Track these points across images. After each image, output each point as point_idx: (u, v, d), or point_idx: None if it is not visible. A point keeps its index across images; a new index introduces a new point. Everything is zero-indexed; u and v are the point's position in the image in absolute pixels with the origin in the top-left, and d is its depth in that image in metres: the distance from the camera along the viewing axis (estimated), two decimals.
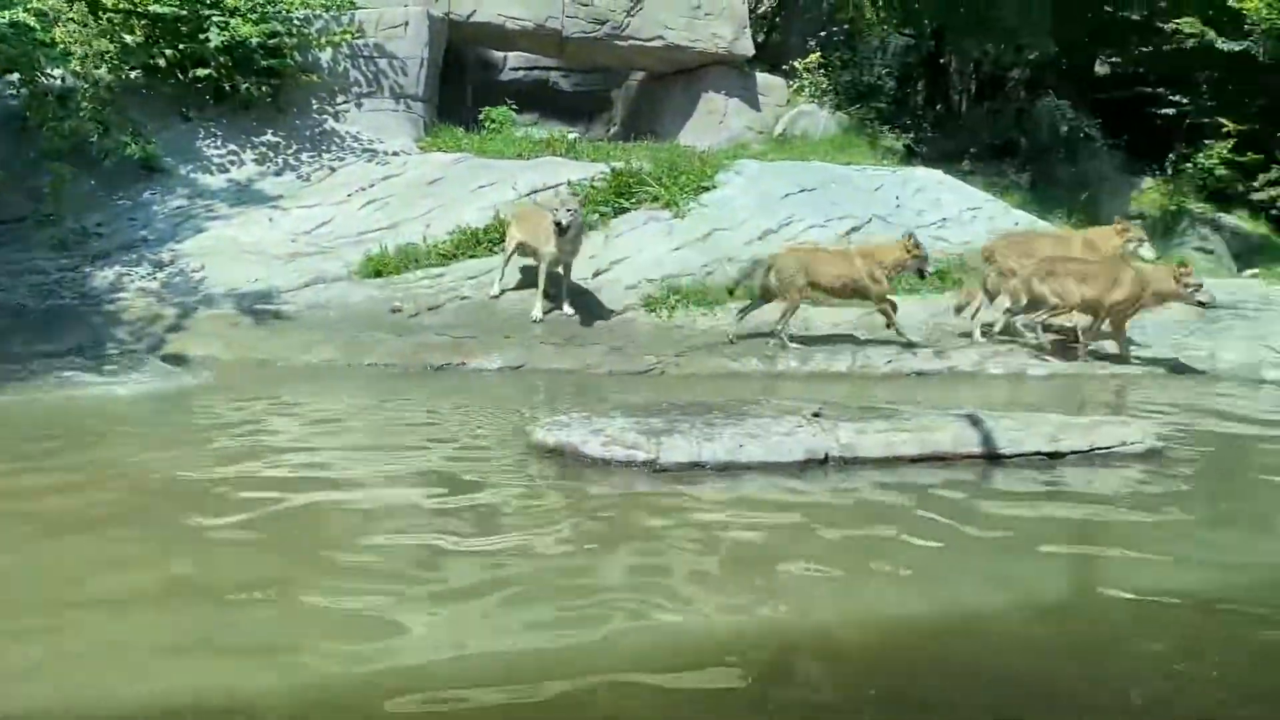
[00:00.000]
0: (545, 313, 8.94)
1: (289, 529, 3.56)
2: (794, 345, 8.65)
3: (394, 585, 2.98)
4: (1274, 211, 18.20)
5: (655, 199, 10.97)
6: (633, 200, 10.94)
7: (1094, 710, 2.39)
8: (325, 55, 12.37)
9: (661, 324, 9.08)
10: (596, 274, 9.72)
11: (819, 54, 16.31)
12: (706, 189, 11.28)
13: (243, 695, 2.29)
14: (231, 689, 2.32)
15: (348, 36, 12.17)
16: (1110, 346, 8.88)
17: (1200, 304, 8.66)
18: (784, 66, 16.36)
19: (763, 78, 15.69)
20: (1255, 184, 18.39)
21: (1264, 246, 17.04)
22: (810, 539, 3.60)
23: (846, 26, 17.35)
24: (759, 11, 19.22)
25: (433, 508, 3.88)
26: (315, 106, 12.40)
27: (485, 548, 3.37)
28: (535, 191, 10.88)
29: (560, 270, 9.01)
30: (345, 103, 12.55)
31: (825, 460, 4.49)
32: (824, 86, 16.07)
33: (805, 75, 15.99)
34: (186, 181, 11.01)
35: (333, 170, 11.63)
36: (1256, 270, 14.66)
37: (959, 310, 9.42)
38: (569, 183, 10.76)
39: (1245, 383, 8.30)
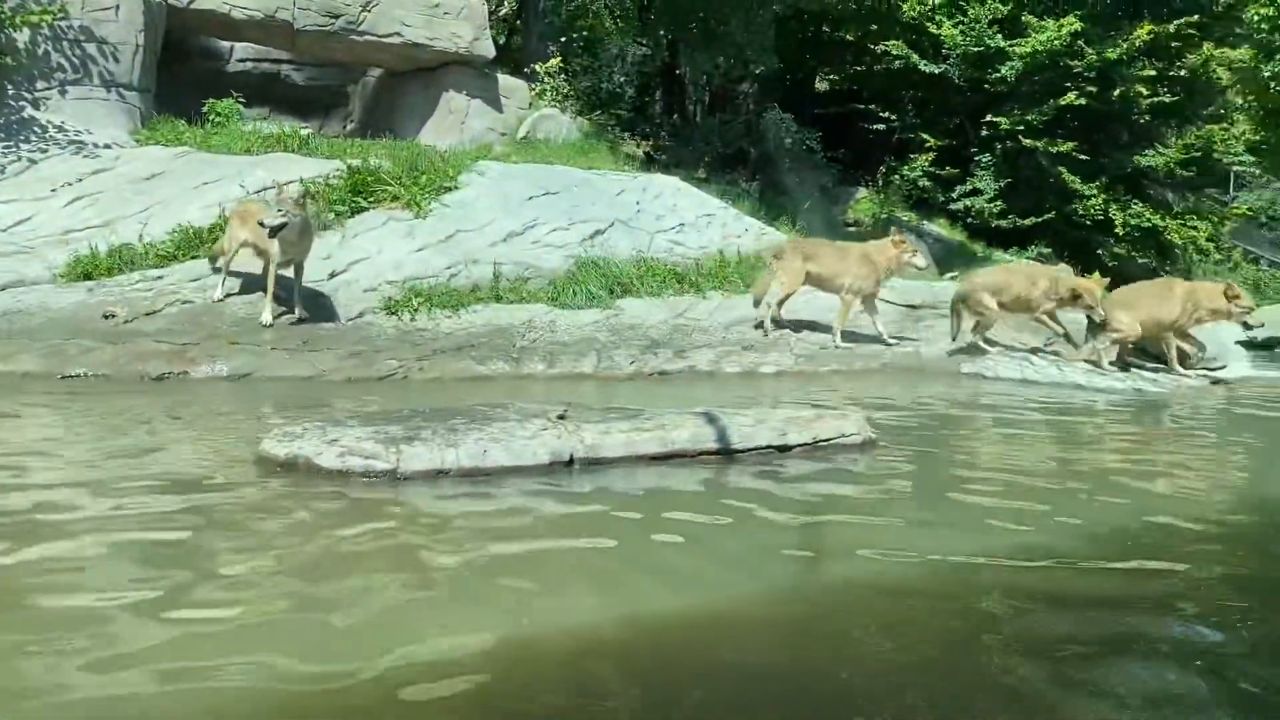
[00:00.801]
0: (276, 316, 8.51)
1: None
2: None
3: (101, 613, 2.72)
4: (969, 220, 20.16)
5: (395, 198, 10.69)
6: (371, 199, 10.62)
7: (834, 694, 2.54)
8: (22, 36, 11.21)
9: (403, 327, 8.87)
10: (333, 275, 9.36)
11: (560, 59, 16.52)
12: (449, 189, 11.12)
13: None
14: None
15: (48, 17, 11.08)
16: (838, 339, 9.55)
17: (1246, 325, 9.75)
18: (526, 70, 16.45)
19: (504, 80, 15.69)
20: (953, 195, 20.32)
21: (961, 251, 18.85)
22: (555, 541, 3.61)
23: (586, 33, 17.65)
24: (500, 14, 19.23)
25: (144, 532, 3.58)
26: (11, 92, 11.21)
27: (202, 574, 3.15)
28: (265, 189, 10.32)
29: (290, 272, 8.61)
30: (47, 89, 11.43)
31: (571, 462, 4.53)
32: (565, 91, 16.29)
33: (547, 79, 16.15)
34: None
35: (33, 163, 10.55)
36: (956, 273, 16.18)
37: (756, 303, 10.16)
38: (301, 180, 10.30)
39: (946, 375, 9.17)
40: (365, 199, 10.58)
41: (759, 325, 9.94)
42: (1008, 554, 3.67)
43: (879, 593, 3.29)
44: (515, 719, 2.33)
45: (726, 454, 4.80)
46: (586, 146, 14.92)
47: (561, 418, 4.81)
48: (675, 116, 19.94)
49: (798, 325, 10.10)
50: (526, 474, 4.38)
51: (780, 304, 10.09)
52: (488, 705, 2.39)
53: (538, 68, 16.30)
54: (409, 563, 3.33)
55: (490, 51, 15.09)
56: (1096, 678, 2.69)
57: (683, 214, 12.37)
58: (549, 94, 16.14)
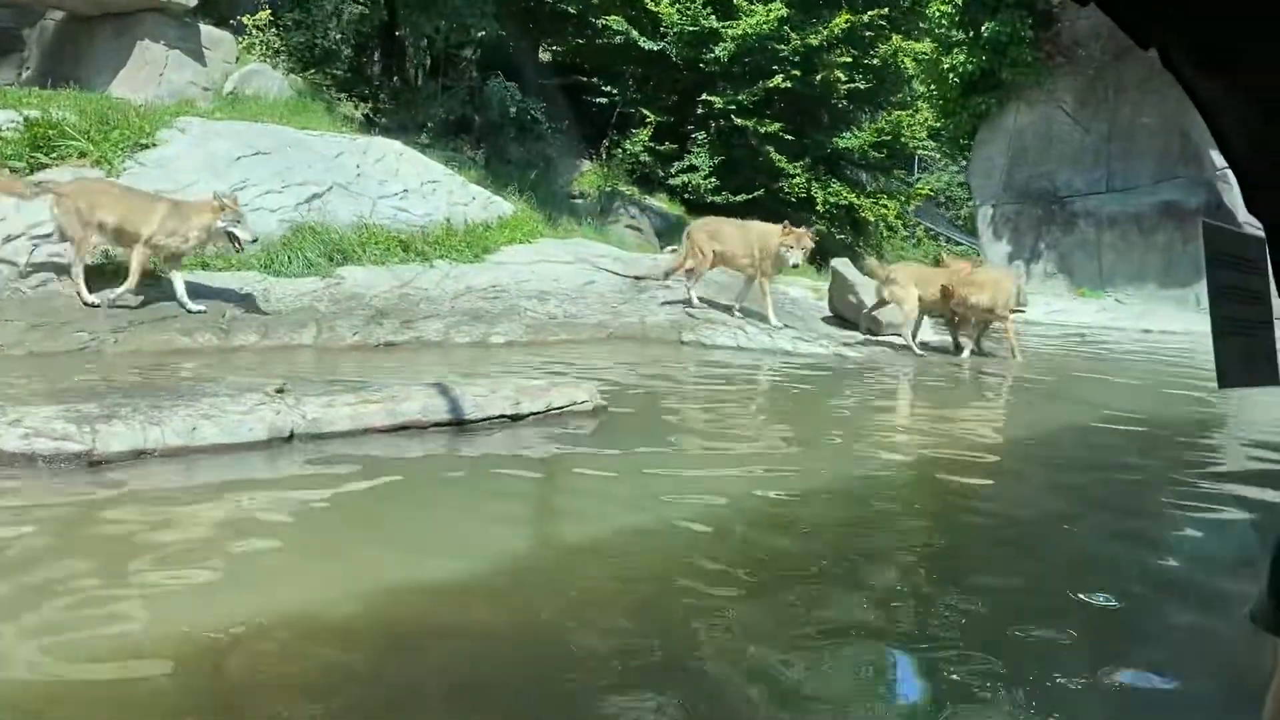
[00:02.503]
0: None
1: None
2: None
3: None
4: (687, 195, 20.92)
5: (83, 155, 9.66)
6: (54, 156, 9.54)
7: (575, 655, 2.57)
8: None
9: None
10: (8, 239, 8.35)
11: (270, 12, 15.53)
12: (146, 146, 10.18)
13: None
14: None
15: None
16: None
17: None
18: (232, 22, 15.33)
19: (208, 31, 14.54)
20: (672, 170, 21.00)
21: (680, 225, 19.51)
22: (266, 524, 3.43)
23: None
24: None
25: None
26: None
27: None
28: None
29: None
30: None
31: (291, 437, 4.31)
32: (276, 47, 15.36)
33: (256, 33, 15.14)
34: None
35: None
36: (675, 247, 16.76)
37: (667, 275, 10.64)
38: None
39: (668, 344, 9.51)
40: (47, 155, 9.49)
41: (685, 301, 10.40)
42: (732, 499, 3.88)
43: (609, 547, 3.37)
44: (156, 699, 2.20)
45: (460, 424, 4.74)
46: (300, 106, 14.12)
47: (280, 391, 4.56)
48: (395, 79, 19.28)
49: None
50: (242, 452, 4.13)
51: (695, 280, 10.47)
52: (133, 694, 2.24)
53: (245, 20, 15.24)
54: (104, 549, 3.05)
55: (191, 0, 13.94)
56: (842, 586, 2.90)
57: (406, 180, 12.02)
58: (258, 48, 15.13)
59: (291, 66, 15.34)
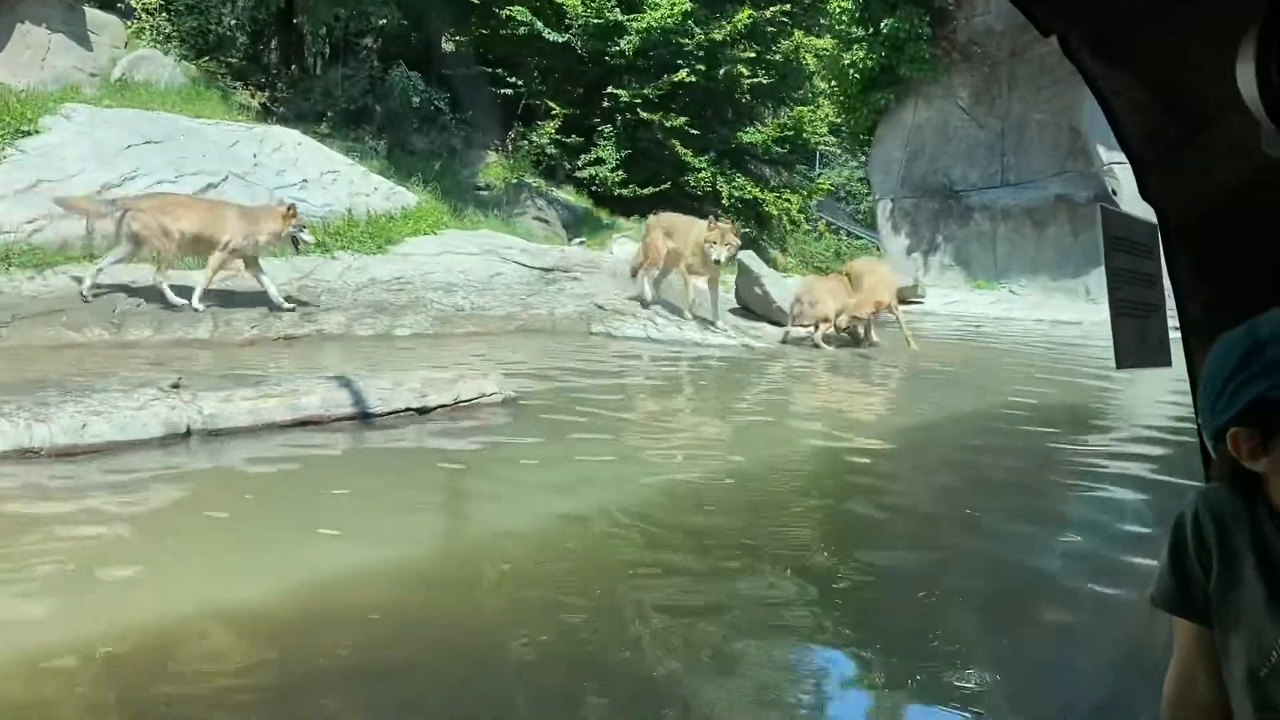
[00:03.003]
0: None
1: None
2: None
3: None
4: (594, 188, 20.88)
5: None
6: None
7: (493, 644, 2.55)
8: None
9: None
10: None
11: None
12: (27, 134, 9.74)
13: None
14: None
15: None
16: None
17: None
18: (120, 5, 14.75)
19: (94, 14, 13.96)
20: (579, 163, 20.92)
21: (587, 218, 19.49)
22: (165, 523, 3.32)
23: None
24: None
25: None
26: None
27: None
28: None
29: None
30: None
31: (188, 434, 4.17)
32: (168, 32, 14.83)
33: (145, 17, 14.60)
34: None
35: None
36: (583, 239, 16.81)
37: (633, 274, 10.74)
38: None
39: (577, 335, 9.48)
40: None
41: (638, 298, 10.36)
42: (643, 484, 3.89)
43: (518, 535, 3.35)
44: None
45: (364, 418, 4.65)
46: (194, 93, 13.67)
47: (175, 386, 4.41)
48: (293, 68, 18.78)
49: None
50: (136, 449, 3.99)
51: (651, 275, 10.48)
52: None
53: (134, 3, 14.68)
54: None
55: None
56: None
57: (305, 170, 11.73)
58: (148, 34, 14.58)
59: (184, 53, 14.84)
